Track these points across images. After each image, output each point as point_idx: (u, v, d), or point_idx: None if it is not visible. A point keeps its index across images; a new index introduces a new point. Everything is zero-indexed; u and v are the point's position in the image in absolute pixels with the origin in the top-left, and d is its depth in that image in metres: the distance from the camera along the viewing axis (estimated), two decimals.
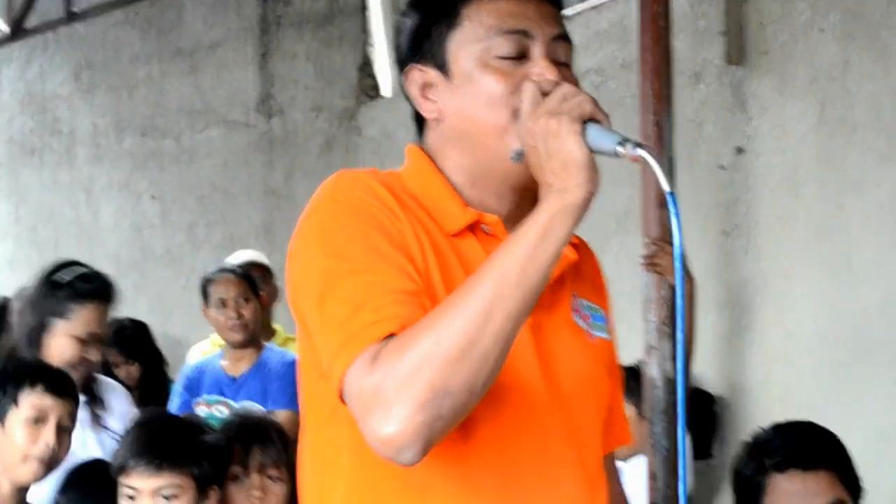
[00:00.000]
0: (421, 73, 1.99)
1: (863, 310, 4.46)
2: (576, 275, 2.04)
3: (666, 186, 1.81)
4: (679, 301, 1.89)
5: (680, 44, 4.35)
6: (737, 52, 4.94)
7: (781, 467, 2.95)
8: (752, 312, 4.84)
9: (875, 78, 4.46)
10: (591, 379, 2.01)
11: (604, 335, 2.06)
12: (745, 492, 3.03)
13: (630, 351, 4.40)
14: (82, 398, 3.43)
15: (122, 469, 2.98)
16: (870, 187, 4.45)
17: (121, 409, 3.61)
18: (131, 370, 6.24)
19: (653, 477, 4.14)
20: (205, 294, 4.98)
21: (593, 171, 1.78)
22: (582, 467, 1.96)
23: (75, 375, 3.41)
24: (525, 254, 1.75)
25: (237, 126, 7.37)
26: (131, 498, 2.95)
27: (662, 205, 4.24)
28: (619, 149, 1.80)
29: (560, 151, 1.78)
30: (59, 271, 3.57)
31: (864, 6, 4.53)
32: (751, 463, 3.02)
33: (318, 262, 1.86)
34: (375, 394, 1.72)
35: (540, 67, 1.91)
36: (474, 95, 1.95)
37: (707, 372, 4.91)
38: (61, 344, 3.44)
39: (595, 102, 1.82)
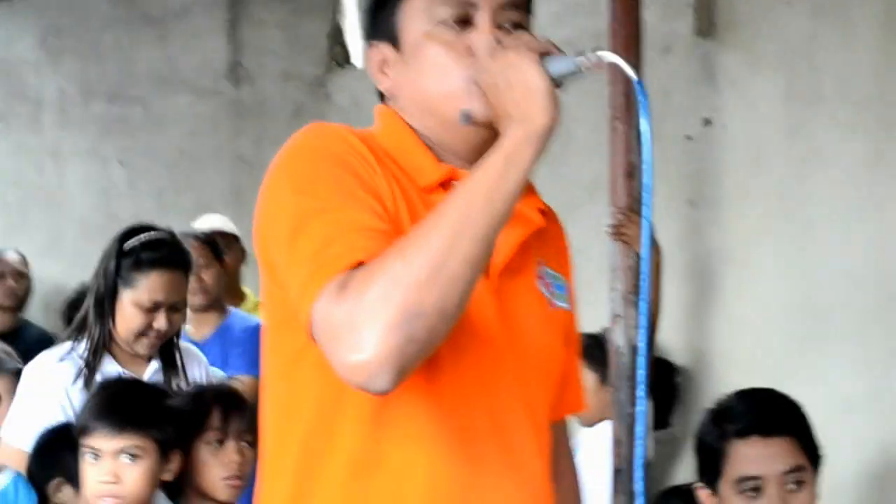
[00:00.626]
0: (377, 51, 2.05)
1: (827, 280, 4.53)
2: (542, 241, 2.07)
3: (633, 75, 1.84)
4: (646, 209, 1.93)
5: (650, 16, 4.40)
6: (706, 24, 4.99)
7: (743, 433, 3.02)
8: (717, 282, 4.90)
9: (842, 52, 4.51)
10: (547, 347, 2.04)
11: (564, 305, 2.09)
12: (707, 458, 3.10)
13: (596, 319, 4.47)
14: (156, 364, 3.47)
15: (85, 430, 3.01)
16: (835, 160, 4.52)
17: (194, 375, 3.61)
18: None
19: (617, 443, 4.20)
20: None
21: (554, 99, 1.81)
22: (533, 427, 1.99)
23: (144, 343, 3.44)
24: (490, 180, 1.78)
25: (206, 93, 7.38)
26: (95, 457, 2.97)
27: (630, 175, 4.30)
28: (580, 60, 1.83)
29: (520, 81, 1.82)
30: (128, 237, 3.53)
31: None
32: (713, 429, 3.08)
33: (290, 202, 1.88)
34: (345, 321, 1.72)
35: (484, 35, 1.95)
36: (421, 68, 2.00)
37: (672, 341, 4.98)
38: (127, 313, 3.44)
39: (550, 41, 1.86)
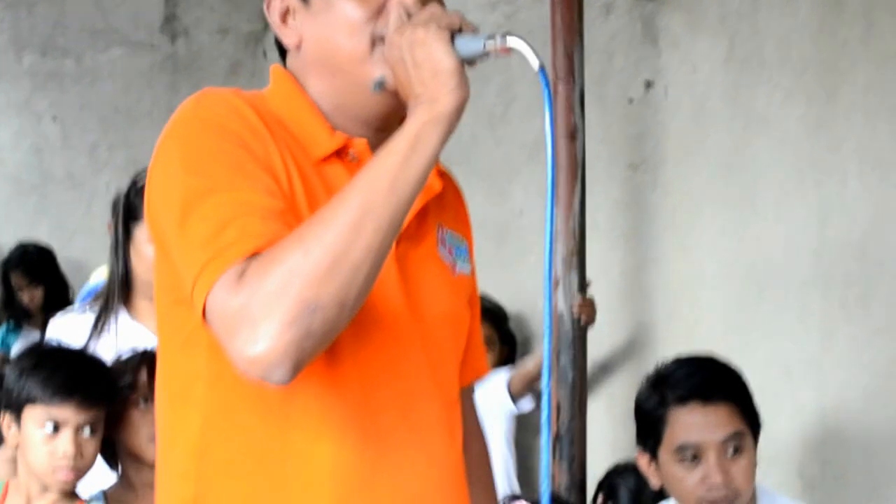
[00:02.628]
0: (280, 0, 1.98)
1: (767, 246, 4.58)
2: (440, 204, 2.04)
3: (535, 64, 1.80)
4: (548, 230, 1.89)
5: None
6: None
7: (682, 400, 3.09)
8: (658, 247, 4.95)
9: (784, 17, 4.56)
10: (452, 315, 2.03)
11: (466, 269, 2.08)
12: (646, 425, 3.17)
13: (537, 283, 4.52)
14: None
15: (40, 399, 2.99)
16: (776, 124, 4.56)
17: None
18: (35, 294, 6.40)
19: (557, 409, 4.27)
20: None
21: (463, 79, 1.78)
22: (442, 402, 1.98)
23: None
24: (395, 165, 1.74)
25: (141, 47, 7.34)
26: (55, 429, 2.97)
27: (572, 137, 4.35)
28: (489, 43, 1.80)
29: (428, 59, 1.79)
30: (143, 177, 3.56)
31: None
32: (652, 396, 3.16)
33: (180, 181, 1.81)
34: (242, 312, 1.68)
35: (394, 4, 1.89)
36: (332, 22, 1.93)
37: (612, 305, 5.04)
38: (142, 251, 3.42)
39: (462, 17, 1.83)
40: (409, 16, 1.87)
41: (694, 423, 3.07)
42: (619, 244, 5.06)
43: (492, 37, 1.81)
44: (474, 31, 1.83)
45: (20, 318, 6.35)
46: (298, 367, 1.70)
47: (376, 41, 1.90)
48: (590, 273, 4.37)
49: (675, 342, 4.74)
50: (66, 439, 2.97)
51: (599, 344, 4.94)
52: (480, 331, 2.22)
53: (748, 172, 4.65)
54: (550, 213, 1.88)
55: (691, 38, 4.85)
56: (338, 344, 1.80)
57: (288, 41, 1.99)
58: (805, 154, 4.49)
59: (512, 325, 5.21)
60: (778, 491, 3.32)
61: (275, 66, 2.02)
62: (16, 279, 6.37)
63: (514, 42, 1.80)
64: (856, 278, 4.36)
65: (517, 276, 5.15)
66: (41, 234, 6.77)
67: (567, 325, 4.28)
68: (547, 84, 1.81)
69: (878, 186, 4.30)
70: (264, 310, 1.67)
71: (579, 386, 4.27)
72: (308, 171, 1.90)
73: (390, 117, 1.93)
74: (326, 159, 1.93)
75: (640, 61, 5.02)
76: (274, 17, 1.99)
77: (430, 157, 1.76)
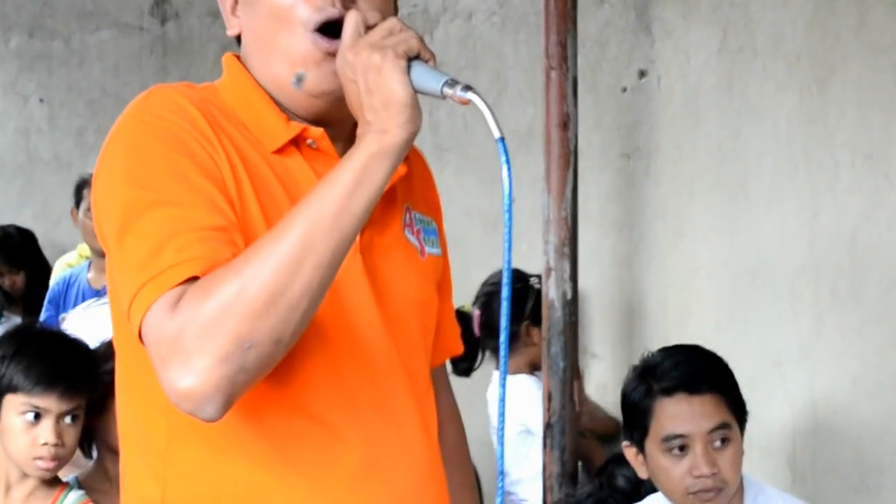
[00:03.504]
0: None
1: (759, 236, 4.64)
2: (407, 185, 2.02)
3: (496, 132, 1.76)
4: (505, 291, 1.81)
5: None
6: None
7: (668, 391, 3.16)
8: (649, 236, 5.00)
9: (777, 7, 4.60)
10: (420, 301, 2.01)
11: (436, 251, 2.07)
12: (633, 415, 3.23)
13: (530, 270, 4.60)
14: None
15: (22, 388, 2.99)
16: (769, 114, 4.61)
17: None
18: (16, 279, 6.29)
19: (548, 397, 4.32)
20: (78, 196, 4.96)
21: (416, 111, 1.74)
22: (414, 395, 1.96)
23: None
24: (339, 199, 1.69)
25: (130, 29, 7.35)
26: (36, 417, 2.97)
27: (565, 126, 4.40)
28: (447, 90, 1.75)
29: (382, 88, 1.73)
30: None
31: None
32: (639, 387, 3.22)
33: (120, 191, 1.77)
34: (175, 343, 1.65)
35: (352, 13, 1.83)
36: (260, 10, 1.90)
37: (603, 294, 5.08)
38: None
39: (422, 40, 1.78)
40: (368, 27, 1.81)
41: (680, 414, 3.13)
42: (612, 233, 5.11)
43: (452, 84, 1.76)
44: (432, 58, 1.78)
45: (1, 303, 6.21)
46: (230, 402, 1.68)
47: (300, 30, 1.87)
48: (581, 260, 4.42)
49: (666, 331, 4.80)
50: (47, 428, 2.97)
51: (591, 333, 5.02)
52: (452, 310, 2.22)
53: (741, 162, 4.70)
54: (507, 276, 1.83)
55: (685, 28, 4.88)
56: (306, 345, 1.78)
57: (231, 31, 1.98)
58: (797, 144, 4.53)
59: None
60: (767, 482, 3.38)
61: (226, 55, 1.99)
62: None
63: (474, 98, 1.75)
64: (847, 269, 4.41)
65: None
66: (26, 218, 6.77)
67: (558, 313, 4.31)
68: (506, 153, 1.78)
69: (869, 178, 4.36)
70: (197, 343, 1.64)
71: (570, 375, 4.31)
72: (261, 167, 1.86)
73: (325, 116, 1.91)
74: (283, 150, 1.90)
75: (634, 50, 5.05)
76: (224, 8, 1.98)
77: (375, 191, 1.72)
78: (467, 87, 1.76)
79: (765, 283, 4.61)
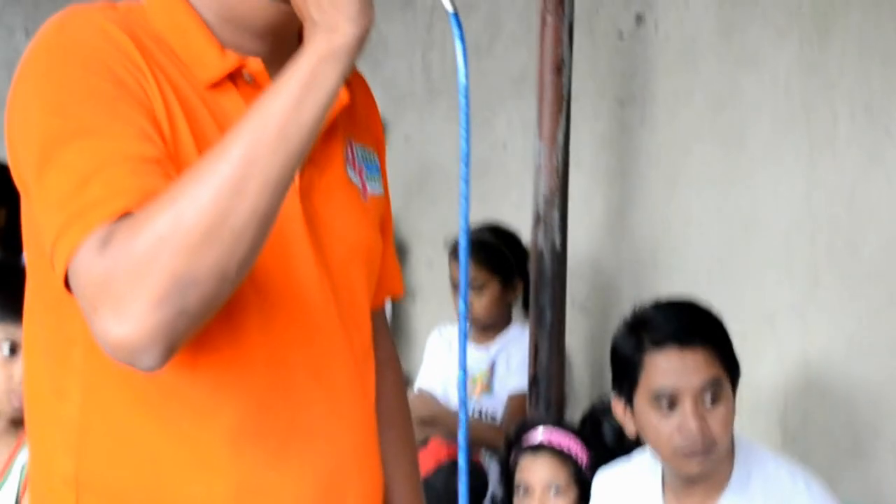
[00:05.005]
0: None
1: (755, 189, 4.59)
2: (349, 117, 1.89)
3: (449, 7, 1.64)
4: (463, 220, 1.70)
5: None
6: None
7: (659, 343, 3.13)
8: (643, 185, 4.96)
9: None
10: (363, 247, 1.89)
11: (378, 189, 1.94)
12: (622, 369, 3.21)
13: (521, 218, 4.57)
14: None
15: None
16: (767, 63, 4.57)
17: None
18: None
19: (535, 350, 4.29)
20: None
21: (367, 3, 1.57)
22: (353, 354, 1.84)
23: None
24: (285, 109, 1.53)
25: None
26: (12, 352, 2.92)
27: (559, 71, 4.36)
28: None
29: None
30: None
31: None
32: (629, 339, 3.19)
33: (38, 121, 1.61)
34: (105, 286, 1.50)
35: None
36: None
37: (595, 242, 5.07)
38: None
39: None
40: None
41: (671, 368, 3.10)
42: (604, 181, 5.07)
43: None
44: None
45: None
46: (172, 349, 1.53)
47: None
48: (572, 210, 4.39)
49: (657, 284, 4.78)
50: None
51: (580, 283, 4.98)
52: (394, 249, 2.10)
53: (738, 112, 4.66)
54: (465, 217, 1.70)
55: None
56: (239, 302, 1.66)
57: None
58: (796, 95, 4.49)
59: None
60: (758, 441, 3.36)
61: None
62: None
63: None
64: (844, 224, 4.38)
65: (500, 211, 5.16)
66: None
67: (547, 263, 4.28)
68: (460, 31, 1.63)
69: (868, 131, 4.31)
70: (130, 285, 1.48)
71: (557, 327, 4.29)
72: (193, 100, 1.71)
73: (288, 28, 1.77)
74: (218, 84, 1.75)
75: None
76: None
77: (326, 98, 1.56)
78: None
79: (759, 236, 4.58)
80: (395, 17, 5.76)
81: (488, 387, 4.89)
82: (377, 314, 2.05)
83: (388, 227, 2.04)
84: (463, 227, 1.69)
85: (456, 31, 1.61)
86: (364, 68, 2.00)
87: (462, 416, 1.70)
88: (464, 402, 1.71)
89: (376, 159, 1.95)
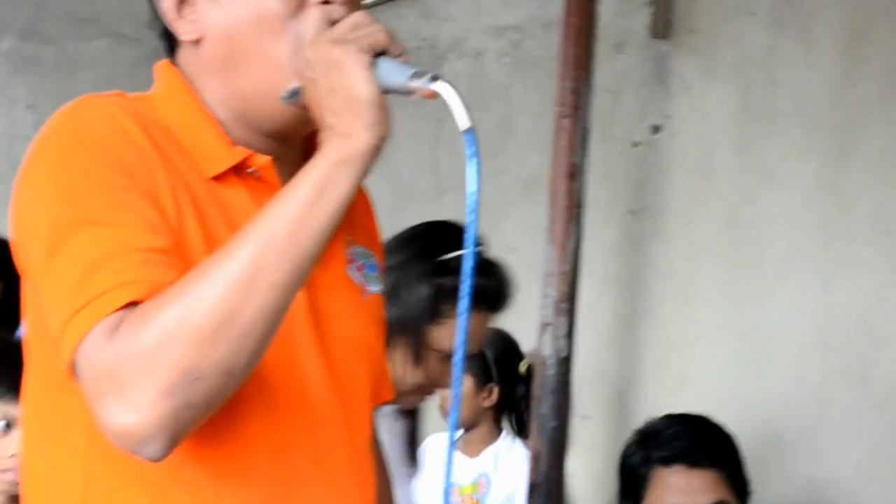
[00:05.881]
0: None
1: (767, 305, 4.58)
2: (348, 217, 1.83)
3: (464, 123, 1.62)
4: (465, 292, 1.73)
5: (605, 10, 4.44)
6: (662, 25, 5.04)
7: (667, 461, 3.10)
8: (653, 296, 4.94)
9: (801, 69, 4.56)
10: (365, 345, 1.91)
11: (377, 289, 1.96)
12: (629, 482, 3.18)
13: (526, 325, 4.53)
14: None
15: None
16: (785, 180, 4.57)
17: None
18: None
19: (535, 458, 4.25)
20: None
21: (383, 112, 1.61)
22: (354, 448, 1.86)
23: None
24: (296, 214, 1.56)
25: (126, 40, 7.32)
26: (8, 427, 2.92)
27: (572, 176, 4.35)
28: (413, 83, 1.63)
29: (344, 86, 1.60)
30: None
31: None
32: (638, 453, 3.17)
33: (49, 207, 1.64)
34: (112, 375, 1.52)
35: (314, 7, 1.74)
36: (244, 13, 1.75)
37: (603, 353, 5.03)
38: None
39: (391, 34, 1.65)
40: (333, 23, 1.69)
41: (677, 487, 3.08)
42: (613, 291, 5.05)
43: (420, 74, 1.63)
44: (402, 53, 1.66)
45: None
46: (176, 439, 1.56)
47: (294, 42, 1.74)
48: (580, 318, 4.36)
49: (662, 398, 4.74)
50: (19, 438, 2.92)
51: (583, 393, 4.94)
52: (385, 352, 2.09)
53: (753, 228, 4.65)
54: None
55: (704, 84, 4.84)
56: (243, 393, 1.65)
57: (185, 36, 1.82)
58: (813, 214, 4.49)
59: None
60: None
61: (161, 63, 1.87)
62: None
63: (442, 89, 1.62)
64: (857, 349, 4.37)
65: (506, 319, 5.13)
66: (7, 226, 6.72)
67: (551, 371, 4.25)
68: (474, 146, 1.63)
69: (886, 254, 4.31)
70: (138, 375, 1.51)
71: (559, 435, 4.25)
72: (200, 193, 1.74)
73: (299, 131, 1.80)
74: (222, 177, 1.77)
75: (649, 104, 5.01)
76: (167, 11, 1.83)
77: (339, 204, 1.59)
78: (435, 77, 1.63)
79: (770, 356, 4.56)
80: (404, 109, 5.75)
81: (478, 502, 4.83)
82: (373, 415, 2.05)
83: (384, 330, 2.04)
84: (460, 341, 1.69)
85: (469, 149, 1.61)
86: None
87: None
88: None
89: (375, 259, 1.98)
